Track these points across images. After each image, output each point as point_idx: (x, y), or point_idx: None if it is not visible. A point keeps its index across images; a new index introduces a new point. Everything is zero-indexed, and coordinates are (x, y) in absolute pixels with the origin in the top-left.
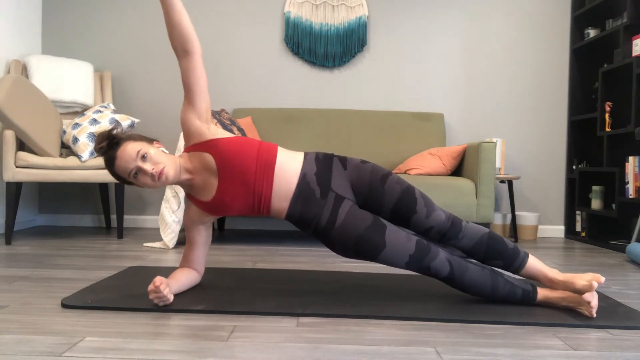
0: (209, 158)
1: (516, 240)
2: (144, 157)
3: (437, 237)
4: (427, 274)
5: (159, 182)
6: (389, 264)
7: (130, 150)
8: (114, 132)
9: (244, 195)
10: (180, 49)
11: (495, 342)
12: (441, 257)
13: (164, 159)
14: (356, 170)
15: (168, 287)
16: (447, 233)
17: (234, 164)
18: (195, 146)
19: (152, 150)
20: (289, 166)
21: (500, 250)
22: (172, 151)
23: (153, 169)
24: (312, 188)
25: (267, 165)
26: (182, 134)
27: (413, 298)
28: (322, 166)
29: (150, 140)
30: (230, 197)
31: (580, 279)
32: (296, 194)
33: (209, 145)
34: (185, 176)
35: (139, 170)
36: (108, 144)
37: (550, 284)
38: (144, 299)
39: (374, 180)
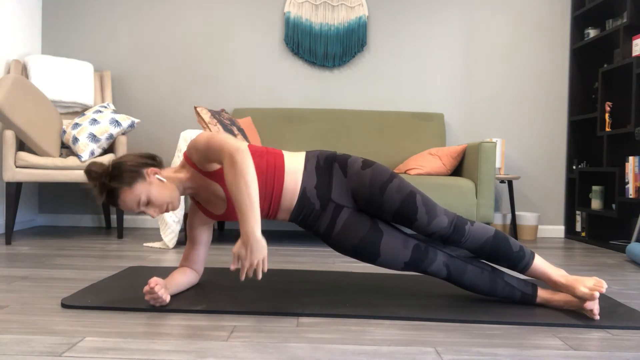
0: (217, 188)
1: None
2: (147, 204)
3: (440, 240)
4: (425, 274)
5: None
6: (387, 268)
7: (130, 201)
8: (96, 175)
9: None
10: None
11: (495, 342)
12: (438, 261)
13: (166, 194)
14: (356, 177)
15: (164, 289)
16: (449, 238)
17: None
18: (202, 171)
19: (153, 191)
20: (291, 177)
21: (505, 254)
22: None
23: (158, 212)
24: (312, 202)
25: (277, 173)
26: (182, 134)
27: (413, 298)
28: (322, 176)
29: (143, 163)
30: None
31: (583, 286)
32: (297, 209)
33: (217, 175)
34: (188, 191)
35: (145, 212)
36: (105, 196)
37: (554, 286)
38: (144, 299)
39: (373, 191)
